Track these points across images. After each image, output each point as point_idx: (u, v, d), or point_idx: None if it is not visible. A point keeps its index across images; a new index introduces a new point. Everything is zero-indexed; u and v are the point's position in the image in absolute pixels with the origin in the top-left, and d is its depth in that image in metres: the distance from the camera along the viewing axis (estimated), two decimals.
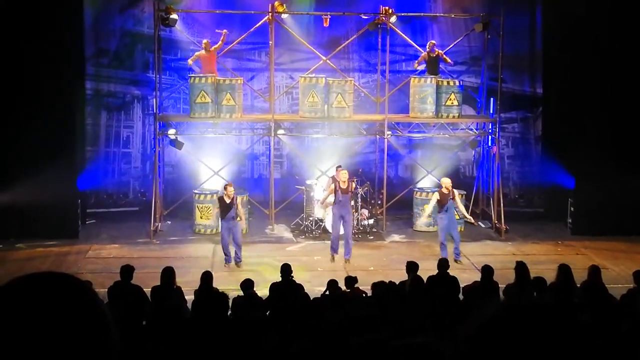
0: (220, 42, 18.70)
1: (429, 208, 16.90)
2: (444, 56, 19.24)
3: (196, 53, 18.74)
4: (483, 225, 19.71)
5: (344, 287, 11.75)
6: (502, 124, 19.97)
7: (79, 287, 1.86)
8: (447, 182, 16.65)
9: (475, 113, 20.69)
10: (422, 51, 19.85)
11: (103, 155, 20.19)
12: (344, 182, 16.37)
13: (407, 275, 11.95)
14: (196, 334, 9.36)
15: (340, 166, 18.52)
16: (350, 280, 11.80)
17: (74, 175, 18.27)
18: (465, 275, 13.98)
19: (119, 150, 20.33)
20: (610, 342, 8.12)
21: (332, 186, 16.57)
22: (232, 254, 16.04)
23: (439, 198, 16.39)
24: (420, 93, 18.93)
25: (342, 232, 16.52)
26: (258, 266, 15.80)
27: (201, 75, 18.53)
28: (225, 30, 18.74)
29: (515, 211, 20.03)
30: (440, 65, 19.38)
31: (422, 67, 19.39)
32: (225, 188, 16.35)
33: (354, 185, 16.95)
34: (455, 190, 16.65)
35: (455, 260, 16.04)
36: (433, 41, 19.31)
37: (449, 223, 16.34)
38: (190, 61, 18.83)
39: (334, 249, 16.46)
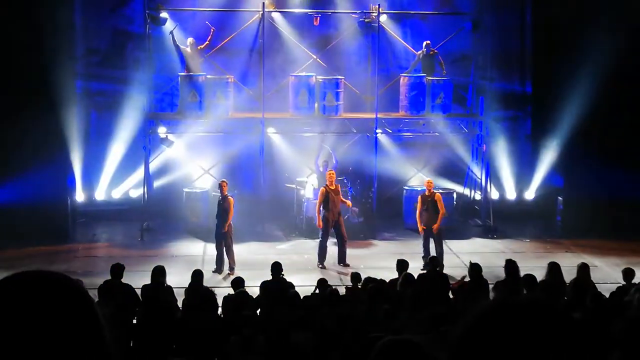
0: (207, 42, 18.69)
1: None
2: (441, 59, 19.23)
3: (182, 47, 18.68)
4: (472, 224, 19.77)
5: (349, 284, 11.85)
6: (491, 122, 20.01)
7: (70, 285, 1.84)
8: (427, 182, 16.57)
9: (465, 111, 20.73)
10: (412, 49, 19.91)
11: (93, 154, 20.10)
12: (331, 182, 16.32)
13: (397, 273, 11.99)
14: (187, 332, 9.38)
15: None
16: (356, 277, 11.85)
17: (64, 174, 18.24)
18: (456, 273, 14.01)
19: (109, 149, 20.22)
20: (599, 340, 8.17)
21: (322, 190, 16.37)
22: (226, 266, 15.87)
23: (420, 200, 16.34)
24: (410, 91, 18.98)
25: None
26: (249, 264, 15.78)
27: (192, 74, 18.50)
28: (213, 28, 18.74)
29: (504, 209, 20.06)
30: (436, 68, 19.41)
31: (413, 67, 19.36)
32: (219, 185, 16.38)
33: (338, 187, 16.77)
34: (435, 192, 16.53)
35: None
36: (428, 41, 19.30)
37: (427, 225, 16.01)
38: (173, 35, 18.56)
39: (322, 260, 16.22)
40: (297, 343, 8.41)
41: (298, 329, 8.84)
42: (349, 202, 17.13)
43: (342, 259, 16.35)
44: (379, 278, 11.55)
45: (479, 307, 1.90)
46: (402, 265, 12.10)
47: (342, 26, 20.43)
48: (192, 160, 19.89)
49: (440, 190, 17.70)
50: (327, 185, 16.31)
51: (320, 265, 16.15)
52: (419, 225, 16.19)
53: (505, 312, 1.86)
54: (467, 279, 11.74)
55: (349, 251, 16.77)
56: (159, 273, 11.46)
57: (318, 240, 16.47)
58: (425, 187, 16.48)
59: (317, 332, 8.70)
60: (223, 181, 16.35)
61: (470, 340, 1.85)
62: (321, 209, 16.25)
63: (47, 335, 1.74)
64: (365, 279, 11.55)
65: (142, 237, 18.17)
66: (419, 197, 16.45)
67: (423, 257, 15.69)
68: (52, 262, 15.94)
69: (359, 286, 11.60)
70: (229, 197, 16.01)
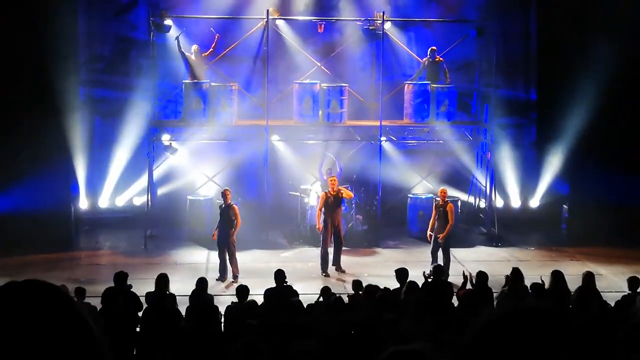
0: (211, 49, 18.67)
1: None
2: (446, 68, 19.18)
3: (186, 53, 18.67)
4: (477, 232, 19.71)
5: (350, 290, 11.79)
6: (496, 129, 19.96)
7: (53, 294, 1.82)
8: (440, 191, 16.39)
9: (470, 119, 20.68)
10: (416, 57, 19.88)
11: (97, 162, 20.08)
12: (332, 188, 16.26)
13: (397, 282, 11.90)
14: (189, 341, 9.33)
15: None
16: (358, 284, 11.81)
17: (68, 182, 18.22)
18: (460, 281, 13.93)
19: (113, 156, 20.21)
20: (604, 349, 8.11)
21: (322, 195, 16.38)
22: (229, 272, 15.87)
23: (434, 208, 16.23)
24: (415, 99, 18.94)
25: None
26: (252, 272, 15.73)
27: (196, 81, 18.50)
28: (217, 35, 18.73)
29: (509, 217, 20.00)
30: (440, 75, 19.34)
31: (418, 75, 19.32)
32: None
33: (346, 192, 16.76)
34: (449, 201, 16.28)
35: None
36: (434, 47, 19.24)
37: (436, 234, 15.79)
38: (178, 41, 18.55)
39: (325, 268, 16.20)
40: (300, 351, 8.36)
41: (301, 336, 8.79)
42: (350, 193, 17.04)
43: (337, 263, 16.34)
44: (382, 286, 11.50)
45: (486, 315, 1.89)
46: (401, 273, 12.01)
47: (346, 33, 20.42)
48: (196, 168, 19.87)
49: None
50: (328, 191, 16.30)
51: (325, 274, 16.12)
52: (428, 232, 16.12)
53: (513, 319, 1.86)
54: (469, 285, 11.72)
55: (354, 259, 16.75)
56: (162, 281, 11.44)
57: (319, 249, 16.45)
58: (439, 196, 16.32)
59: (320, 339, 8.66)
60: (226, 189, 16.28)
61: (478, 347, 1.84)
62: (321, 214, 16.26)
63: (32, 344, 1.72)
64: (366, 286, 11.49)
65: (146, 244, 18.14)
66: (434, 204, 16.35)
67: (431, 264, 15.57)
68: (55, 270, 15.90)
69: (361, 293, 11.55)
70: (233, 205, 15.97)
